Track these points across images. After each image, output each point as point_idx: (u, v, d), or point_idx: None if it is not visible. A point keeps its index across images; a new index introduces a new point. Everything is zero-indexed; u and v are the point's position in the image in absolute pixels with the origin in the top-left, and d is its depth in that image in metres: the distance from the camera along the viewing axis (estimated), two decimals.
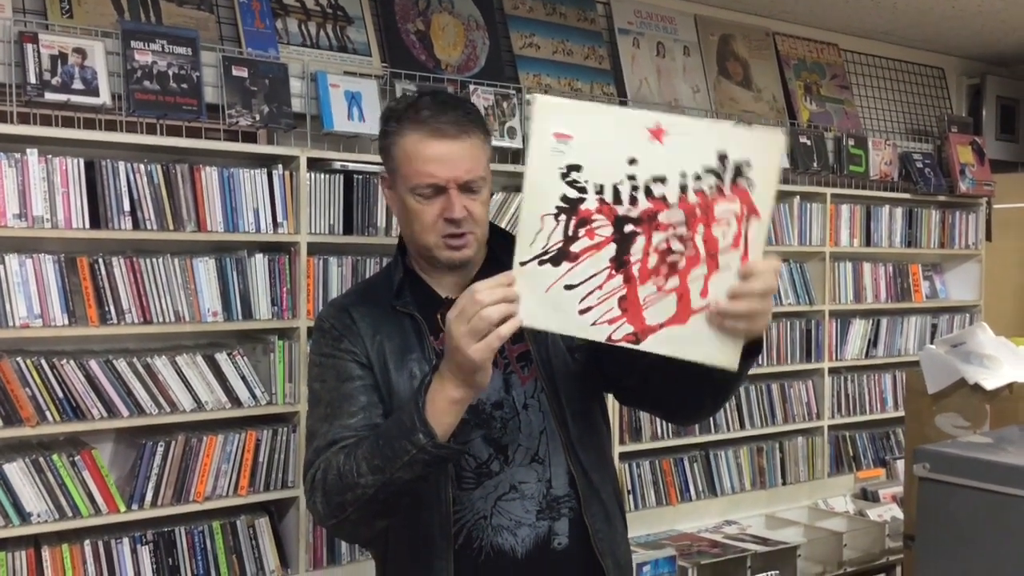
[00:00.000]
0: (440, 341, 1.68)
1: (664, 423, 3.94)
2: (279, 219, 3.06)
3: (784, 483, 4.40)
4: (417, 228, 1.73)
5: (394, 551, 1.76)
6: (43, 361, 2.69)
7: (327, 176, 3.16)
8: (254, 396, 3.01)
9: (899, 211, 4.85)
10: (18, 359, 2.67)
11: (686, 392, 1.69)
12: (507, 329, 1.44)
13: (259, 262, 3.03)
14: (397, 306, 1.76)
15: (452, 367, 1.48)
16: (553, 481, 1.76)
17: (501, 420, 1.75)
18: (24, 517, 2.65)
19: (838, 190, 4.56)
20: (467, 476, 1.73)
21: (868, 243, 4.72)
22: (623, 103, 4.00)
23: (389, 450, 1.52)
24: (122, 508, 2.79)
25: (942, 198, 4.99)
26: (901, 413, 4.72)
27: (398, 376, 1.73)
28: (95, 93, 2.73)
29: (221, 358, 2.96)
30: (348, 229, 3.20)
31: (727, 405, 4.16)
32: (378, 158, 3.17)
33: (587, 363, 1.80)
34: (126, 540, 2.83)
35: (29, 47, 2.66)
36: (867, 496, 4.59)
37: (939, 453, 1.80)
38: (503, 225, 3.45)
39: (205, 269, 2.94)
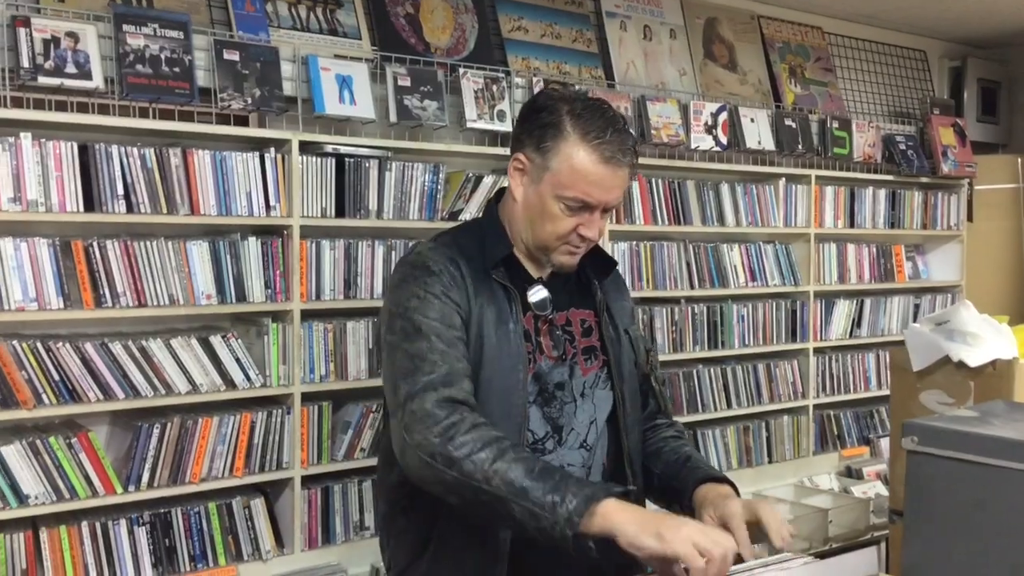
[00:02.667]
0: (528, 319, 1.78)
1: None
2: (272, 202, 3.07)
3: (770, 461, 4.47)
4: (548, 229, 1.77)
5: (447, 520, 1.76)
6: (39, 344, 2.70)
7: (319, 159, 3.17)
8: (248, 378, 3.03)
9: (882, 192, 4.90)
10: (14, 342, 2.67)
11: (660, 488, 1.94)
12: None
13: (252, 245, 3.05)
14: (494, 275, 1.79)
15: (652, 528, 1.49)
16: (592, 469, 1.83)
17: (560, 402, 1.81)
18: (22, 499, 2.66)
19: (823, 172, 4.61)
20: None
21: (852, 224, 4.77)
22: (611, 86, 4.03)
23: (533, 488, 1.52)
24: (119, 490, 2.81)
25: (924, 180, 5.05)
26: (885, 392, 4.82)
27: (496, 342, 1.74)
28: (88, 77, 2.73)
29: (215, 341, 2.98)
30: (340, 212, 3.22)
31: (714, 385, 4.22)
32: (369, 141, 3.27)
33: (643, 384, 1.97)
34: (123, 521, 2.85)
35: (22, 31, 2.66)
36: (851, 474, 4.66)
37: (927, 426, 1.83)
38: None
39: (199, 252, 2.95)
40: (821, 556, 1.80)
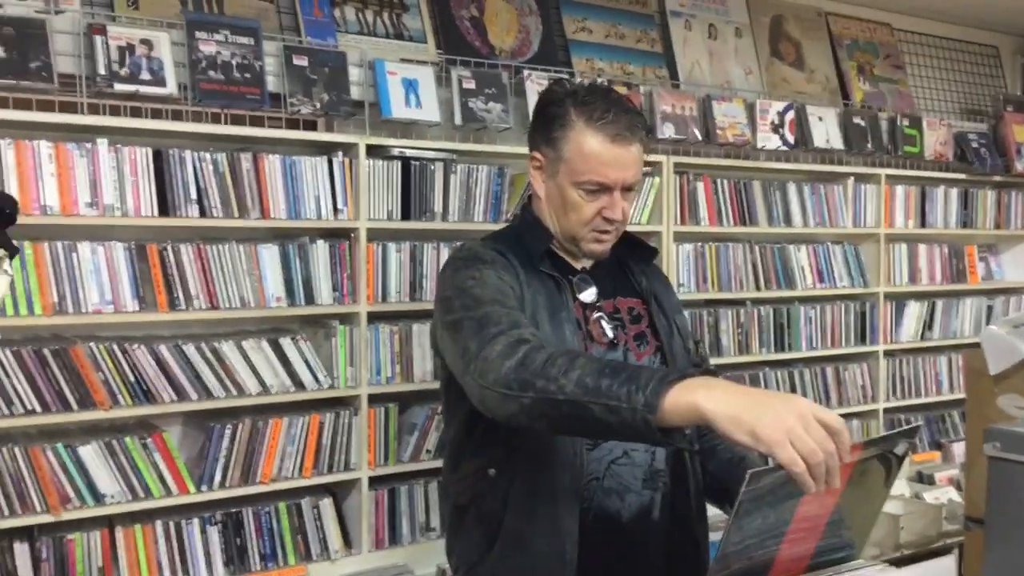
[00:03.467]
0: (577, 307, 1.82)
1: None
2: (339, 205, 3.10)
3: None
4: (573, 218, 1.81)
5: (514, 515, 1.77)
6: (115, 346, 2.76)
7: (385, 162, 3.19)
8: (317, 380, 3.07)
9: (954, 192, 4.79)
10: (91, 344, 2.74)
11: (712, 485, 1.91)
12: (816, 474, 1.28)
13: (320, 248, 3.08)
14: (541, 268, 1.83)
15: (743, 410, 1.30)
16: (656, 453, 1.82)
17: None
18: (99, 498, 2.72)
19: (892, 171, 4.52)
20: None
21: (923, 224, 4.67)
22: (675, 86, 4.00)
23: (608, 385, 1.44)
24: (192, 489, 2.86)
25: (998, 178, 4.93)
26: (957, 396, 4.71)
27: (550, 329, 1.76)
28: (162, 83, 2.79)
29: (285, 342, 3.02)
30: (406, 215, 3.24)
31: (781, 388, 4.16)
32: (434, 144, 3.28)
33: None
34: (196, 520, 2.90)
35: (98, 39, 2.72)
36: (923, 479, 4.56)
37: (1010, 432, 1.78)
38: None
39: (269, 255, 3.00)
40: (894, 563, 1.76)
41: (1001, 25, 5.23)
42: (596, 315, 1.84)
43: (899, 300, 4.60)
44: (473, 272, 1.76)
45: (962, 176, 4.80)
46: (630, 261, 1.96)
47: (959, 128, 4.86)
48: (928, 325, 4.71)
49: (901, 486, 4.49)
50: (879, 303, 4.47)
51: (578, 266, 1.90)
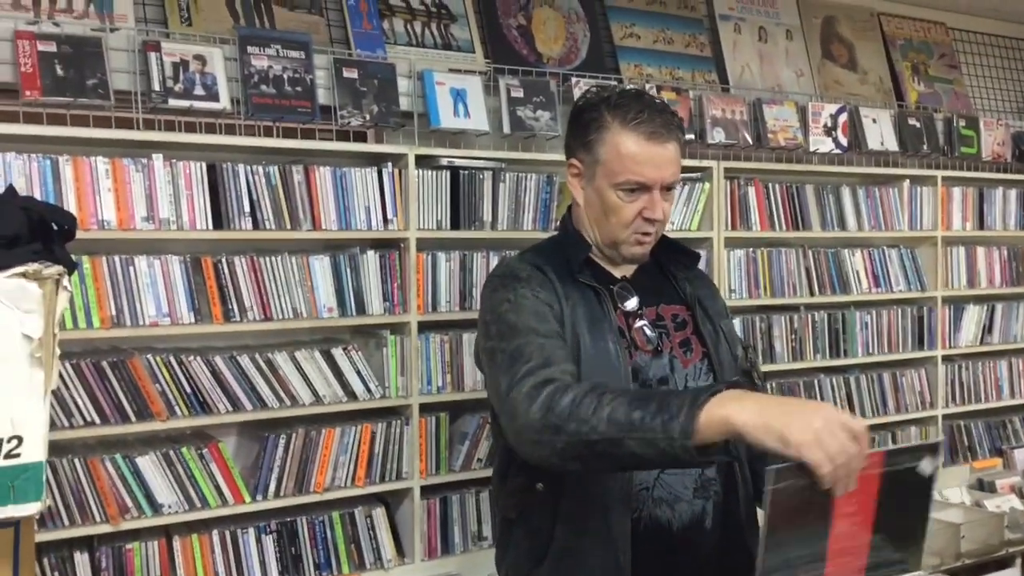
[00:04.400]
0: (619, 316, 1.81)
1: None
2: (389, 216, 3.11)
3: None
4: (613, 221, 1.81)
5: (564, 526, 1.77)
6: (171, 358, 2.79)
7: (434, 172, 3.20)
8: (368, 390, 3.08)
9: (1013, 193, 4.69)
10: (148, 356, 2.77)
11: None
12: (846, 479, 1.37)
13: (371, 258, 3.10)
14: (580, 279, 1.83)
15: (772, 418, 1.37)
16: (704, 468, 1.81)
17: None
18: (156, 508, 2.76)
19: (949, 172, 4.43)
20: None
21: (981, 226, 4.58)
22: (725, 90, 3.97)
23: (640, 418, 1.47)
24: (247, 499, 2.88)
25: None
26: (1017, 401, 4.61)
27: (591, 341, 1.76)
28: (215, 98, 2.83)
29: (337, 353, 3.03)
30: (455, 224, 3.24)
31: (837, 395, 4.10)
32: (483, 153, 3.29)
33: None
34: (251, 530, 2.92)
35: (152, 55, 2.76)
36: (983, 487, 4.46)
37: None
38: None
39: (320, 266, 3.02)
40: (954, 573, 1.72)
41: None
42: (639, 323, 1.83)
43: (957, 304, 4.51)
44: (508, 294, 1.77)
45: (1021, 177, 4.69)
46: (672, 267, 1.95)
47: (1017, 128, 4.76)
48: (988, 329, 4.61)
49: (961, 494, 4.41)
50: (937, 307, 4.39)
51: (618, 275, 1.89)
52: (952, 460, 4.50)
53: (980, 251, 4.58)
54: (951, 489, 4.40)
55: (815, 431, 1.33)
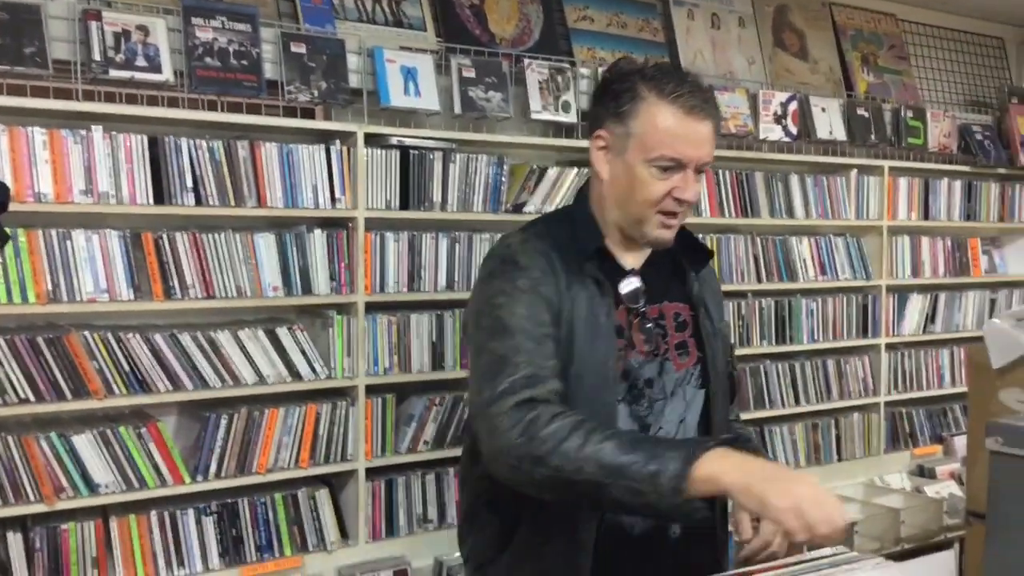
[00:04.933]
0: (621, 312, 1.73)
1: None
2: (337, 194, 3.07)
3: (840, 459, 4.37)
4: (640, 199, 1.69)
5: (531, 515, 1.73)
6: (110, 335, 2.74)
7: (384, 151, 3.16)
8: (314, 370, 3.04)
9: (958, 184, 4.76)
10: (85, 333, 2.72)
11: None
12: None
13: (318, 237, 3.06)
14: (587, 269, 1.72)
15: (758, 491, 1.41)
16: None
17: (650, 399, 1.75)
18: (92, 488, 2.71)
19: (896, 163, 4.49)
20: None
21: (926, 217, 4.64)
22: None
23: (630, 463, 1.46)
24: (187, 480, 2.84)
25: (1002, 170, 4.89)
26: (958, 389, 4.69)
27: (586, 340, 1.69)
28: (158, 70, 2.76)
29: (282, 332, 2.99)
30: (405, 204, 3.21)
31: (782, 381, 4.14)
32: (434, 133, 3.25)
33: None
34: (191, 511, 2.88)
35: (93, 24, 2.69)
36: (924, 473, 4.54)
37: (1012, 427, 1.76)
38: (557, 199, 3.45)
39: (265, 244, 2.97)
40: (893, 557, 1.73)
41: (1006, 16, 5.19)
42: (640, 322, 1.75)
43: (901, 293, 4.57)
44: (505, 284, 1.68)
45: (966, 168, 4.76)
46: (685, 263, 1.85)
47: (963, 120, 4.82)
48: (931, 318, 4.68)
49: (902, 480, 4.49)
50: (881, 296, 4.44)
51: (628, 265, 1.79)
52: (893, 447, 4.57)
53: (925, 241, 4.65)
54: (892, 475, 4.47)
55: (795, 500, 1.38)
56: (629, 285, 1.75)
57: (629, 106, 1.68)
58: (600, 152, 1.74)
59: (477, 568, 1.82)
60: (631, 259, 1.80)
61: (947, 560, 1.75)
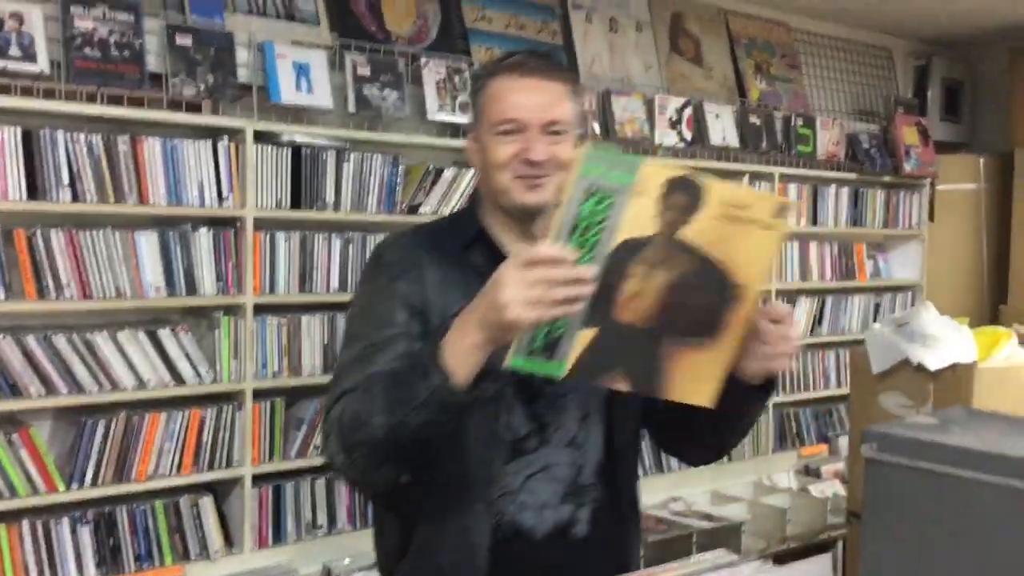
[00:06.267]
0: None
1: None
2: (224, 193, 2.99)
3: (729, 459, 4.44)
4: (492, 167, 1.67)
5: (425, 525, 1.70)
6: None
7: (274, 149, 3.09)
8: (198, 374, 2.96)
9: (845, 191, 4.89)
10: None
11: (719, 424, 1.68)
12: (569, 311, 1.36)
13: (203, 236, 2.97)
14: (467, 259, 1.69)
15: (488, 319, 1.39)
16: (584, 468, 1.73)
17: (548, 397, 1.70)
18: None
19: (786, 169, 4.59)
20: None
21: (815, 222, 4.76)
22: None
23: (403, 391, 1.45)
24: (61, 488, 2.73)
25: (887, 178, 5.05)
26: (844, 391, 4.81)
27: None
28: (32, 60, 2.64)
29: (164, 334, 2.90)
30: (296, 203, 3.14)
31: None
32: (326, 131, 3.19)
33: None
34: (66, 520, 2.77)
35: None
36: (810, 472, 4.66)
37: (886, 434, 1.80)
38: (454, 201, 3.42)
39: (147, 243, 2.87)
40: (777, 558, 1.75)
41: (895, 29, 5.36)
42: None
43: (790, 296, 4.68)
44: (366, 286, 1.69)
45: (853, 176, 4.90)
46: None
47: (851, 129, 4.96)
48: (818, 321, 4.81)
49: (789, 479, 4.59)
50: (771, 299, 4.54)
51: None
52: (781, 446, 4.68)
53: (812, 246, 4.77)
54: (779, 474, 4.57)
55: (503, 303, 1.34)
56: None
57: (479, 95, 1.71)
58: (471, 146, 1.75)
59: (387, 575, 1.79)
60: (522, 240, 1.74)
61: (824, 564, 1.78)
